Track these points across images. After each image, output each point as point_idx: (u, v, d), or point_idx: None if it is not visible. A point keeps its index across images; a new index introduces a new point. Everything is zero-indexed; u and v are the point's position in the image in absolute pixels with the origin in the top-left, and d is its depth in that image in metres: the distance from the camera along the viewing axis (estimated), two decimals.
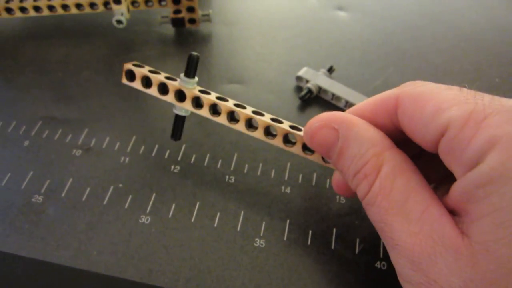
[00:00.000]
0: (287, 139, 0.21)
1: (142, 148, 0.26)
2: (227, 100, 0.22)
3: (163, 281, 0.20)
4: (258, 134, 0.21)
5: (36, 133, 0.26)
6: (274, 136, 0.21)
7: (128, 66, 0.22)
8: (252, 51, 0.34)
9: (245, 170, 0.25)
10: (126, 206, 0.23)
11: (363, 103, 0.19)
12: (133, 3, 0.33)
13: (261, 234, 0.22)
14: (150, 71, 0.22)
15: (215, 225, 0.22)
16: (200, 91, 0.22)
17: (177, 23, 0.34)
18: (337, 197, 0.23)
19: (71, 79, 0.30)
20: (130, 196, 0.23)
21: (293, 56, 0.33)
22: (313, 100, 0.30)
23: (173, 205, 0.23)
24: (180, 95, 0.22)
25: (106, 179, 0.24)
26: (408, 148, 0.18)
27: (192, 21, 0.34)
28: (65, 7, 0.32)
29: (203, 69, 0.32)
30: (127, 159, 0.25)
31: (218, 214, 0.22)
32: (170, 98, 0.22)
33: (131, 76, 0.23)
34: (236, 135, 0.26)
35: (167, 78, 0.22)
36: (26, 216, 0.22)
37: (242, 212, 0.22)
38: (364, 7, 0.39)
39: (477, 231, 0.14)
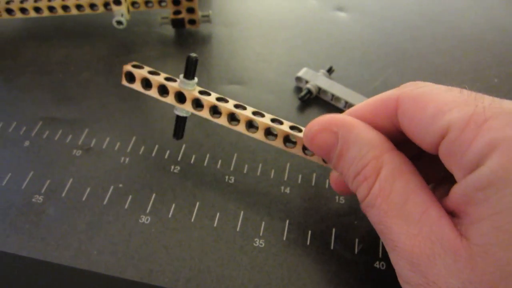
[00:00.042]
0: (287, 140, 0.21)
1: (142, 148, 0.26)
2: (227, 101, 0.22)
3: (163, 281, 0.20)
4: (259, 135, 0.21)
5: (36, 133, 0.26)
6: (274, 136, 0.21)
7: (128, 68, 0.22)
8: (252, 52, 0.34)
9: (245, 171, 0.25)
10: (126, 206, 0.23)
11: (363, 103, 0.19)
12: (133, 4, 0.33)
13: (261, 234, 0.22)
14: (150, 72, 0.22)
15: (215, 225, 0.22)
16: (200, 92, 0.22)
17: (177, 24, 0.34)
18: (337, 197, 0.23)
19: (72, 80, 0.30)
20: (130, 196, 0.23)
21: (292, 57, 0.33)
22: (312, 100, 0.30)
23: (173, 205, 0.23)
24: (180, 96, 0.22)
25: (106, 179, 0.24)
26: (408, 148, 0.18)
27: (192, 22, 0.34)
28: (65, 8, 0.32)
29: (203, 70, 0.32)
30: (127, 159, 0.25)
31: (218, 214, 0.22)
32: (170, 99, 0.22)
33: (130, 77, 0.23)
34: (236, 136, 0.26)
35: (167, 79, 0.22)
36: (27, 216, 0.22)
37: (242, 212, 0.22)
38: (364, 7, 0.39)
39: (476, 234, 0.14)
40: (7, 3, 0.32)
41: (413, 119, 0.16)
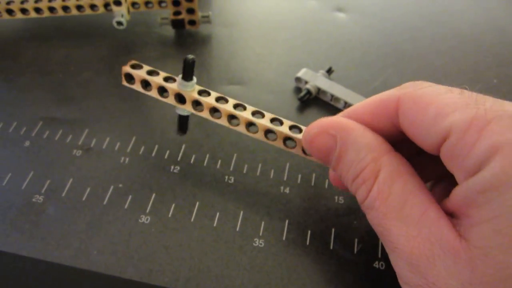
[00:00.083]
0: (287, 139, 0.21)
1: (142, 148, 0.26)
2: (227, 101, 0.22)
3: (162, 280, 0.20)
4: (259, 135, 0.21)
5: (36, 133, 0.26)
6: (275, 134, 0.21)
7: (126, 69, 0.22)
8: (252, 52, 0.34)
9: (245, 171, 0.25)
10: (126, 206, 0.23)
11: (363, 103, 0.19)
12: (133, 4, 0.33)
13: (260, 234, 0.22)
14: (149, 72, 0.22)
15: (215, 225, 0.22)
16: (200, 91, 0.22)
17: (177, 24, 0.34)
18: (336, 197, 0.23)
19: (72, 80, 0.30)
20: (130, 196, 0.23)
21: (292, 57, 0.33)
22: (312, 101, 0.30)
23: (173, 205, 0.23)
24: (181, 97, 0.22)
25: (106, 179, 0.24)
26: (409, 147, 0.18)
27: (192, 22, 0.34)
28: (65, 8, 0.32)
29: (203, 70, 0.32)
30: (127, 159, 0.25)
31: (218, 214, 0.22)
32: (170, 100, 0.22)
33: (130, 78, 0.23)
34: (235, 136, 0.26)
35: (166, 79, 0.22)
36: (27, 216, 0.22)
37: (242, 212, 0.23)
38: (363, 8, 0.39)
39: (476, 236, 0.14)
40: (8, 3, 0.32)
41: (414, 121, 0.16)
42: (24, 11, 0.32)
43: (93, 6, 0.32)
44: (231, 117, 0.22)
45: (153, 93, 0.22)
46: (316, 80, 0.30)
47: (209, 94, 0.22)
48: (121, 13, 0.32)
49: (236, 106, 0.22)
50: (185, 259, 0.21)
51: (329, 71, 0.31)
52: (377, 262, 0.21)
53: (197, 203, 0.23)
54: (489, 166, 0.13)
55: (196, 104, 0.22)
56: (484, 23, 0.38)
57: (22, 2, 0.32)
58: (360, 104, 0.19)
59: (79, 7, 0.32)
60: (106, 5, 0.32)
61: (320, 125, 0.18)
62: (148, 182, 0.24)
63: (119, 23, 0.32)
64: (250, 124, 0.21)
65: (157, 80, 0.22)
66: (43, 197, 0.23)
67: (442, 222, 0.15)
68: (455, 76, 0.32)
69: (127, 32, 0.34)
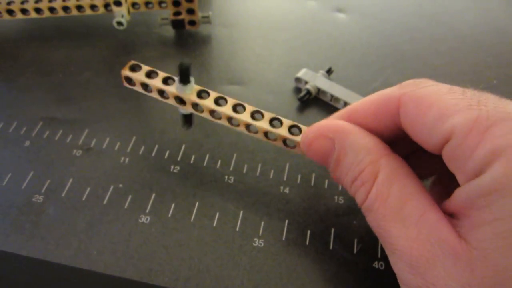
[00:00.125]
0: (287, 140, 0.21)
1: (142, 148, 0.26)
2: (226, 102, 0.22)
3: (162, 280, 0.20)
4: (259, 135, 0.21)
5: (36, 133, 0.26)
6: (274, 136, 0.21)
7: (126, 72, 0.22)
8: (252, 53, 0.34)
9: (244, 171, 0.25)
10: (126, 206, 0.23)
11: (363, 101, 0.19)
12: (133, 5, 0.33)
13: (260, 234, 0.22)
14: (148, 74, 0.22)
15: (214, 225, 0.22)
16: (199, 92, 0.22)
17: (177, 25, 0.34)
18: (336, 197, 0.24)
19: (72, 80, 0.30)
20: (130, 196, 0.23)
21: (292, 58, 0.33)
22: (312, 101, 0.30)
23: (173, 205, 0.23)
24: (181, 98, 0.22)
25: (106, 179, 0.24)
26: (411, 143, 0.18)
27: (192, 23, 0.34)
28: (66, 9, 0.32)
29: (203, 70, 0.32)
30: (127, 159, 0.25)
31: (217, 214, 0.22)
32: (171, 102, 0.22)
33: (130, 80, 0.23)
34: (235, 136, 0.26)
35: (165, 79, 0.22)
36: (27, 216, 0.22)
37: (241, 212, 0.23)
38: (363, 9, 0.39)
39: (476, 238, 0.14)
40: (8, 3, 0.32)
41: (415, 122, 0.16)
42: (24, 11, 0.33)
43: (93, 7, 0.32)
44: (231, 118, 0.22)
45: (154, 95, 0.22)
46: (316, 80, 0.30)
47: (208, 94, 0.22)
48: (121, 13, 0.32)
49: (235, 108, 0.22)
50: (185, 259, 0.21)
51: (329, 72, 0.31)
52: (376, 262, 0.21)
53: (197, 203, 0.23)
54: (491, 169, 0.13)
55: (196, 105, 0.22)
56: (484, 23, 0.38)
57: (22, 3, 0.32)
58: (361, 102, 0.19)
59: (79, 8, 0.32)
60: (106, 6, 0.32)
61: (317, 129, 0.19)
62: (148, 182, 0.24)
63: (119, 23, 0.32)
64: (250, 125, 0.22)
65: (156, 83, 0.22)
66: (43, 197, 0.23)
67: (442, 223, 0.15)
68: (455, 77, 0.32)
69: (127, 32, 0.35)
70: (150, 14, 0.36)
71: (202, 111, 0.22)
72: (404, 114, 0.17)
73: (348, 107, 0.19)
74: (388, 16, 0.38)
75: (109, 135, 0.26)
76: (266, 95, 0.30)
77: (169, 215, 0.22)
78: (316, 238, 0.22)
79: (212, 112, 0.22)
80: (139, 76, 0.22)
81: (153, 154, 0.25)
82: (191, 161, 0.25)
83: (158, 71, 0.23)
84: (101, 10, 0.32)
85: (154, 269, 0.20)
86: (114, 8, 0.32)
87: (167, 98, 0.22)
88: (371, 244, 0.21)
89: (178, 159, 0.25)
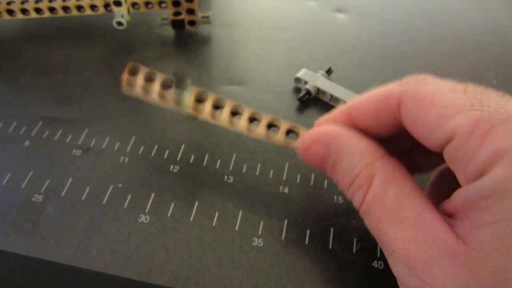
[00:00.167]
0: (290, 132, 0.21)
1: (142, 148, 0.26)
2: (224, 106, 0.22)
3: (161, 280, 0.20)
4: (261, 128, 0.21)
5: (36, 133, 0.26)
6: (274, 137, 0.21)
7: (126, 89, 0.23)
8: (252, 53, 0.34)
9: (244, 170, 0.25)
10: (126, 205, 0.23)
11: (364, 99, 0.19)
12: (133, 5, 0.33)
13: (259, 233, 0.22)
14: (147, 77, 0.23)
15: (214, 224, 0.22)
16: (198, 95, 0.22)
17: (177, 25, 0.34)
18: (335, 197, 0.24)
19: (72, 80, 0.30)
20: (130, 196, 0.23)
21: (292, 58, 0.33)
22: (311, 101, 0.30)
23: (172, 205, 0.23)
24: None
25: (105, 179, 0.24)
26: (411, 138, 0.17)
27: (192, 23, 0.34)
28: (66, 9, 0.32)
29: (202, 70, 0.32)
30: (127, 159, 0.25)
31: (217, 213, 0.22)
32: (172, 106, 0.22)
33: (131, 85, 0.23)
34: (235, 136, 0.26)
35: (164, 83, 0.22)
36: (26, 215, 0.22)
37: (241, 212, 0.23)
38: (363, 9, 0.39)
39: (475, 239, 0.14)
40: (8, 3, 0.32)
41: (416, 121, 0.16)
42: (24, 11, 0.33)
43: (93, 7, 0.32)
44: (231, 118, 0.22)
45: (154, 100, 0.23)
46: (315, 80, 0.30)
47: (206, 99, 0.22)
48: (121, 13, 0.32)
49: (233, 112, 0.22)
50: (184, 259, 0.21)
51: (329, 72, 0.31)
52: (376, 262, 0.21)
53: (196, 203, 0.23)
54: (492, 172, 0.13)
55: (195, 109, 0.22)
56: (484, 23, 0.38)
57: (22, 3, 0.32)
58: (361, 99, 0.19)
59: (79, 8, 0.32)
60: (106, 6, 0.32)
61: (313, 135, 0.19)
62: (147, 181, 0.24)
63: (119, 23, 0.32)
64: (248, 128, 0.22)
65: (154, 93, 0.22)
66: (42, 196, 0.23)
67: (438, 223, 0.15)
68: (455, 77, 0.32)
69: (127, 32, 0.35)
70: (150, 14, 0.36)
71: (200, 113, 0.22)
72: (405, 112, 0.17)
73: (348, 103, 0.19)
74: (387, 16, 0.38)
75: (108, 135, 0.26)
76: (266, 95, 0.30)
77: (169, 214, 0.22)
78: (315, 238, 0.22)
79: (211, 116, 0.22)
80: (138, 88, 0.23)
81: (153, 153, 0.25)
82: (191, 161, 0.25)
83: (156, 76, 0.23)
84: (101, 10, 0.32)
85: (153, 268, 0.20)
86: (114, 8, 0.32)
87: (168, 101, 0.23)
88: (370, 244, 0.21)
89: (178, 158, 0.25)
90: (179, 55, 0.34)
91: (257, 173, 0.25)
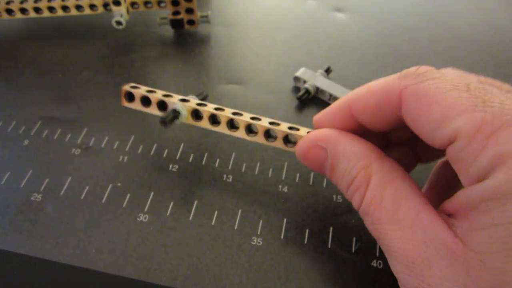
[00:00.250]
0: (287, 140, 0.21)
1: (141, 147, 0.26)
2: (220, 120, 0.22)
3: (161, 279, 0.20)
4: (258, 138, 0.22)
5: (35, 132, 0.26)
6: (274, 138, 0.21)
7: (126, 104, 0.24)
8: (251, 52, 0.34)
9: (243, 169, 0.25)
10: (125, 204, 0.23)
11: (364, 92, 0.18)
12: (132, 4, 0.33)
13: (258, 232, 0.22)
14: (143, 101, 0.23)
15: (213, 223, 0.22)
16: (194, 112, 0.23)
17: (176, 24, 0.34)
18: (334, 196, 0.24)
19: (71, 80, 0.30)
20: (129, 195, 0.23)
21: (291, 57, 0.33)
22: (310, 100, 0.30)
23: (171, 204, 0.23)
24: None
25: (104, 178, 0.24)
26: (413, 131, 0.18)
27: (191, 22, 0.34)
28: (65, 8, 0.32)
29: (201, 70, 0.32)
30: (126, 158, 0.25)
31: (216, 212, 0.22)
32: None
33: (130, 98, 0.24)
34: (234, 135, 0.26)
35: (161, 104, 0.23)
36: (25, 215, 0.22)
37: (240, 211, 0.23)
38: (362, 8, 0.39)
39: (474, 241, 0.14)
40: (7, 3, 0.32)
41: (418, 119, 0.16)
42: (23, 11, 0.33)
43: (92, 6, 0.32)
44: (231, 124, 0.22)
45: (153, 110, 0.24)
46: (314, 79, 0.30)
47: (203, 111, 0.22)
48: (120, 13, 0.32)
49: (231, 125, 0.22)
50: (183, 258, 0.21)
51: (328, 71, 0.31)
52: (375, 261, 0.21)
53: (195, 202, 0.23)
54: (493, 176, 0.14)
55: (196, 116, 0.23)
56: (483, 23, 0.38)
57: (21, 2, 0.32)
58: (361, 93, 0.18)
59: (78, 7, 0.32)
60: (106, 5, 0.32)
61: (310, 139, 0.19)
62: (146, 180, 0.24)
63: (118, 23, 0.32)
64: (249, 129, 0.22)
65: (153, 111, 0.23)
66: (41, 195, 0.23)
67: (437, 223, 0.15)
68: None
69: (126, 32, 0.35)
70: (149, 13, 0.36)
71: (200, 121, 0.23)
72: (406, 109, 0.16)
73: (347, 97, 0.19)
74: (387, 16, 0.39)
75: (107, 134, 0.26)
76: (265, 94, 0.30)
77: (168, 213, 0.22)
78: (314, 237, 0.22)
79: (211, 118, 0.23)
80: (137, 105, 0.24)
81: (152, 153, 0.25)
82: (190, 160, 0.25)
83: (154, 94, 0.23)
84: (100, 9, 0.32)
85: (152, 267, 0.20)
86: (113, 8, 0.32)
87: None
88: (369, 243, 0.21)
89: (177, 158, 0.25)
90: (178, 54, 0.34)
91: (256, 172, 0.25)
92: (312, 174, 0.25)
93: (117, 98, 0.29)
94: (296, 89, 0.31)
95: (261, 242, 0.21)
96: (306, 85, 0.29)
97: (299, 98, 0.29)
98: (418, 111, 0.16)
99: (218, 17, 0.37)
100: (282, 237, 0.22)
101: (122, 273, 0.20)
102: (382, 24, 0.38)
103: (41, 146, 0.26)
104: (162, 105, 0.23)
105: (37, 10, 0.32)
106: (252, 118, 0.22)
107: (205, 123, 0.23)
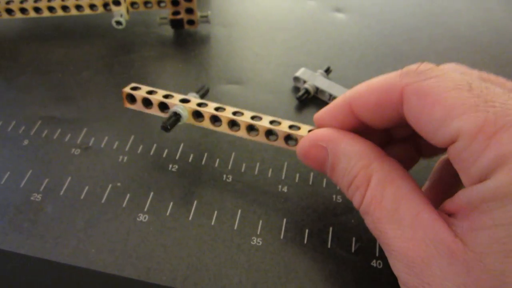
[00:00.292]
0: (288, 138, 0.21)
1: (140, 147, 0.26)
2: (221, 120, 0.22)
3: (160, 279, 0.20)
4: (259, 138, 0.22)
5: (35, 132, 0.26)
6: (275, 136, 0.21)
7: (128, 106, 0.24)
8: (251, 52, 0.34)
9: (243, 169, 0.25)
10: (124, 204, 0.23)
11: (365, 90, 0.18)
12: (132, 4, 0.33)
13: (258, 232, 0.22)
14: (146, 97, 0.23)
15: (213, 223, 0.22)
16: (194, 113, 0.23)
17: (176, 24, 0.34)
18: (334, 196, 0.24)
19: (71, 79, 0.30)
20: (128, 195, 0.23)
21: (291, 57, 0.33)
22: (310, 100, 0.30)
23: (171, 204, 0.23)
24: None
25: (104, 178, 0.24)
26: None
27: (191, 22, 0.34)
28: (65, 8, 0.32)
29: (201, 70, 0.32)
30: (125, 158, 0.25)
31: (216, 212, 0.22)
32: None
33: (131, 99, 0.24)
34: (234, 135, 0.26)
35: (162, 106, 0.23)
36: (25, 214, 0.22)
37: (239, 211, 0.23)
38: (362, 9, 0.39)
39: (474, 241, 0.14)
40: (7, 3, 0.32)
41: (420, 119, 0.16)
42: (23, 10, 0.33)
43: (92, 6, 0.32)
44: (232, 123, 0.22)
45: (154, 111, 0.24)
46: (314, 79, 0.30)
47: (204, 112, 0.22)
48: (120, 13, 0.32)
49: (232, 124, 0.22)
50: (183, 258, 0.21)
51: (328, 71, 0.31)
52: (374, 261, 0.21)
53: (195, 202, 0.23)
54: (495, 177, 0.14)
55: (197, 115, 0.23)
56: (482, 23, 0.38)
57: (21, 2, 0.32)
58: (362, 91, 0.18)
59: (78, 7, 0.32)
60: (105, 5, 0.32)
61: (310, 139, 0.19)
62: (146, 180, 0.24)
63: (118, 22, 0.32)
64: (250, 128, 0.22)
65: (155, 110, 0.23)
66: (41, 195, 0.23)
67: (437, 223, 0.15)
68: None
69: (126, 32, 0.35)
70: (149, 13, 0.36)
71: (202, 120, 0.23)
72: (407, 108, 0.16)
73: (348, 94, 0.19)
74: (387, 16, 0.39)
75: (107, 134, 0.26)
76: (265, 94, 0.30)
77: (167, 213, 0.22)
78: (314, 237, 0.22)
79: (211, 126, 0.23)
80: (138, 104, 0.24)
81: (151, 153, 0.25)
82: (189, 160, 0.25)
83: (155, 95, 0.23)
84: (100, 9, 0.32)
85: (152, 267, 0.20)
86: (113, 8, 0.32)
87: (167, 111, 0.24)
88: (369, 243, 0.21)
89: (176, 158, 0.25)
90: (178, 54, 0.34)
91: (256, 172, 0.25)
92: (311, 174, 0.25)
93: (117, 98, 0.29)
94: (296, 89, 0.31)
95: (260, 242, 0.21)
96: (306, 85, 0.29)
97: (299, 98, 0.29)
98: (420, 110, 0.16)
99: (218, 17, 0.37)
100: (281, 237, 0.22)
101: (122, 273, 0.20)
102: (382, 24, 0.38)
103: (41, 146, 0.26)
104: (163, 105, 0.23)
105: (37, 10, 0.32)
106: (253, 117, 0.22)
107: (206, 123, 0.23)
